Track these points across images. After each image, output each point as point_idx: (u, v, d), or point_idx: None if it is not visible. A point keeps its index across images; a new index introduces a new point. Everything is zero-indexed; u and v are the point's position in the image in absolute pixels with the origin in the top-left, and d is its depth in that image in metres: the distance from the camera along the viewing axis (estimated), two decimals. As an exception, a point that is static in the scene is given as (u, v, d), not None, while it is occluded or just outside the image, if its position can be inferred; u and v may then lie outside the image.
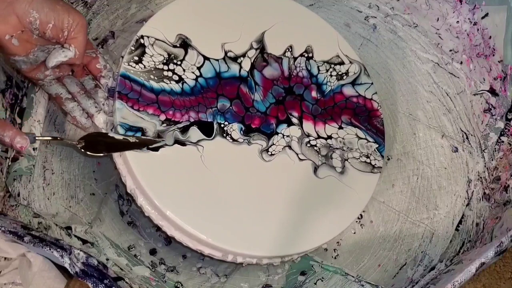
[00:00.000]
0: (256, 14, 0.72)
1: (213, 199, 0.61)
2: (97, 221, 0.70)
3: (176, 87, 0.64)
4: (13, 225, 0.54)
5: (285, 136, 0.67)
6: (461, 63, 0.80)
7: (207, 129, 0.63)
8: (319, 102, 0.71)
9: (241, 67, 0.68)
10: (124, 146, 0.59)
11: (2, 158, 0.65)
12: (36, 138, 0.57)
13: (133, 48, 0.63)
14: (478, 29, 0.76)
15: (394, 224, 0.77)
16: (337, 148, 0.69)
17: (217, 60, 0.67)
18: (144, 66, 0.63)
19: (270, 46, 0.70)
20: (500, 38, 0.73)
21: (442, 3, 0.78)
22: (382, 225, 0.77)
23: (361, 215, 0.77)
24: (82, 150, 0.59)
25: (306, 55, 0.72)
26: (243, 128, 0.65)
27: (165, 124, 0.61)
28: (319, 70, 0.72)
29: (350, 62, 0.75)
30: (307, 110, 0.70)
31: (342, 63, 0.74)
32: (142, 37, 0.64)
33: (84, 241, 0.68)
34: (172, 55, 0.65)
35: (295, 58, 0.72)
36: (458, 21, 0.78)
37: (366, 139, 0.72)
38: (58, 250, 0.51)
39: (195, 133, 0.62)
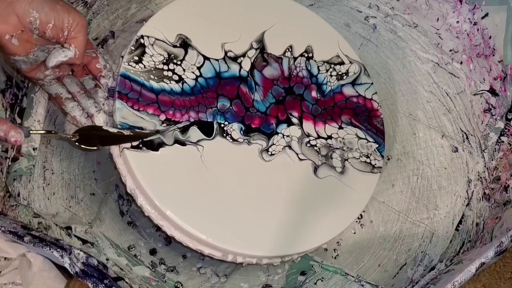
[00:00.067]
0: (256, 14, 0.72)
1: (213, 199, 0.61)
2: (97, 221, 0.70)
3: (176, 87, 0.64)
4: (13, 225, 0.54)
5: (285, 136, 0.67)
6: (461, 63, 0.80)
7: (207, 129, 0.63)
8: (319, 102, 0.71)
9: (241, 67, 0.68)
10: (118, 139, 0.59)
11: (2, 158, 0.65)
12: (31, 132, 0.57)
13: (133, 48, 0.63)
14: (478, 29, 0.76)
15: (394, 224, 0.77)
16: (337, 148, 0.69)
17: (217, 60, 0.67)
18: (144, 66, 0.63)
19: (270, 46, 0.70)
20: (500, 38, 0.73)
21: (442, 3, 0.78)
22: (382, 225, 0.77)
23: (361, 215, 0.77)
24: (77, 143, 0.59)
25: (306, 55, 0.72)
26: (243, 128, 0.65)
27: (165, 124, 0.61)
28: (319, 70, 0.72)
29: (350, 62, 0.75)
30: (307, 110, 0.70)
31: (342, 63, 0.74)
32: (142, 37, 0.64)
33: (84, 241, 0.68)
34: (172, 55, 0.65)
35: (295, 58, 0.72)
36: (458, 21, 0.78)
37: (366, 139, 0.72)
38: (58, 250, 0.51)
39: (195, 133, 0.62)
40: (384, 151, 0.72)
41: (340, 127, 0.71)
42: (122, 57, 0.63)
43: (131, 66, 0.62)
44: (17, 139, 0.54)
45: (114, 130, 0.59)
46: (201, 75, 0.65)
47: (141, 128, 0.60)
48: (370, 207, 0.78)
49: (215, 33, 0.68)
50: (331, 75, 0.73)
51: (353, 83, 0.74)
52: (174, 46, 0.65)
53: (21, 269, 0.59)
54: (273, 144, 0.66)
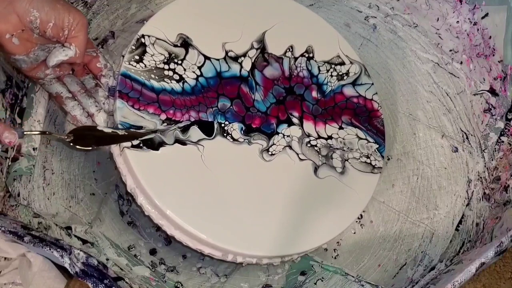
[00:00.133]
0: (257, 14, 0.72)
1: (213, 199, 0.61)
2: (97, 221, 0.70)
3: (177, 86, 0.64)
4: (13, 225, 0.54)
5: (285, 136, 0.67)
6: (461, 63, 0.80)
7: (207, 129, 0.63)
8: (320, 102, 0.71)
9: (241, 67, 0.68)
10: (113, 139, 0.59)
11: (2, 158, 0.65)
12: (25, 133, 0.57)
13: (134, 47, 0.63)
14: (478, 29, 0.76)
15: (394, 224, 0.77)
16: (337, 148, 0.69)
17: (218, 59, 0.67)
18: (145, 65, 0.63)
19: (270, 46, 0.71)
20: (500, 38, 0.73)
21: (442, 3, 0.78)
22: (382, 225, 0.77)
23: (361, 215, 0.77)
24: (71, 144, 0.58)
25: (306, 55, 0.72)
26: (244, 128, 0.65)
27: (165, 124, 0.61)
28: (319, 70, 0.72)
29: (351, 63, 0.75)
30: (308, 110, 0.70)
31: (342, 63, 0.74)
32: (143, 36, 0.64)
33: (84, 241, 0.68)
34: (173, 55, 0.65)
35: (295, 58, 0.72)
36: (458, 21, 0.78)
37: (366, 139, 0.72)
38: (58, 250, 0.51)
39: (195, 133, 0.62)
40: (384, 152, 0.72)
41: (341, 128, 0.71)
42: (123, 56, 0.63)
43: (131, 65, 0.62)
44: (11, 140, 0.54)
45: (109, 130, 0.59)
46: (201, 75, 0.65)
47: (140, 128, 0.60)
48: (370, 207, 0.78)
49: (216, 33, 0.68)
50: (331, 75, 0.73)
51: (354, 84, 0.74)
52: (175, 46, 0.65)
53: (21, 269, 0.59)
54: (274, 144, 0.66)
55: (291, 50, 0.72)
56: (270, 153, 0.66)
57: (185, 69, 0.65)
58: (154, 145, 0.60)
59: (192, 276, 0.72)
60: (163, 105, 0.62)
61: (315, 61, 0.73)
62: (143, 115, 0.61)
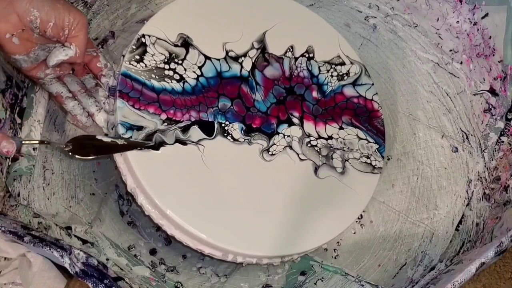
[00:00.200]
0: (257, 14, 0.72)
1: (213, 199, 0.61)
2: (97, 221, 0.70)
3: (177, 86, 0.64)
4: (13, 225, 0.54)
5: (285, 136, 0.67)
6: (461, 63, 0.80)
7: (208, 129, 0.63)
8: (320, 103, 0.71)
9: (242, 67, 0.68)
10: (112, 148, 0.59)
11: (2, 158, 0.65)
12: (23, 142, 0.57)
13: (134, 47, 0.63)
14: (478, 29, 0.76)
15: (394, 224, 0.77)
16: (337, 149, 0.69)
17: (218, 59, 0.67)
18: (145, 65, 0.63)
19: (271, 46, 0.71)
20: (500, 38, 0.73)
21: (442, 3, 0.78)
22: (382, 225, 0.77)
23: (361, 215, 0.77)
24: (70, 153, 0.58)
25: (307, 55, 0.72)
26: (244, 128, 0.65)
27: (166, 123, 0.61)
28: (320, 70, 0.72)
29: (351, 63, 0.75)
30: (308, 110, 0.70)
31: (343, 63, 0.74)
32: (143, 36, 0.64)
33: (84, 241, 0.67)
34: (173, 54, 0.65)
35: (296, 58, 0.72)
36: (458, 21, 0.78)
37: (366, 139, 0.72)
38: (58, 250, 0.51)
39: (196, 133, 0.62)
40: (385, 152, 0.72)
41: (341, 128, 0.71)
42: (123, 56, 0.63)
43: (132, 65, 0.62)
44: (9, 150, 0.54)
45: (108, 140, 0.59)
46: (202, 75, 0.65)
47: (141, 128, 0.60)
48: (370, 207, 0.78)
49: (216, 33, 0.68)
50: (332, 76, 0.73)
51: (354, 84, 0.74)
52: (175, 46, 0.65)
53: (21, 269, 0.59)
54: (274, 144, 0.66)
55: (291, 50, 0.72)
56: (270, 153, 0.66)
57: (185, 69, 0.65)
58: (154, 145, 0.60)
59: (192, 276, 0.72)
60: (163, 105, 0.62)
61: (316, 61, 0.73)
62: (143, 115, 0.60)
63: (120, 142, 0.59)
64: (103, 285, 0.51)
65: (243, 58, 0.69)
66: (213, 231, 0.59)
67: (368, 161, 0.70)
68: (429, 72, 0.82)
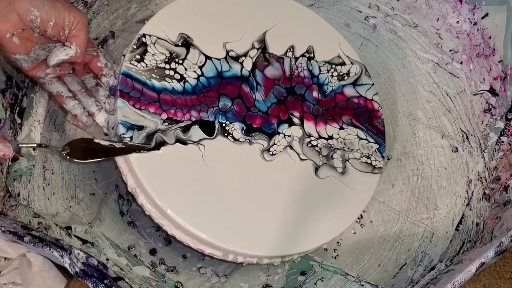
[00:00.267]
0: (257, 14, 0.72)
1: (214, 199, 0.61)
2: (97, 221, 0.70)
3: (178, 86, 0.64)
4: (13, 225, 0.54)
5: (286, 136, 0.67)
6: (461, 63, 0.80)
7: (208, 129, 0.63)
8: (320, 103, 0.71)
9: (242, 67, 0.68)
10: (109, 152, 0.58)
11: (2, 158, 0.65)
12: (20, 145, 0.57)
13: (135, 47, 0.63)
14: (478, 29, 0.76)
15: (394, 224, 0.77)
16: (338, 149, 0.69)
17: (219, 59, 0.67)
18: (146, 65, 0.63)
19: (271, 46, 0.71)
20: (500, 38, 0.73)
21: (442, 3, 0.78)
22: (382, 225, 0.77)
23: (361, 215, 0.77)
24: (68, 157, 0.58)
25: (307, 55, 0.72)
26: (245, 128, 0.65)
27: (166, 123, 0.61)
28: (320, 70, 0.72)
29: (351, 63, 0.75)
30: (308, 110, 0.70)
31: (343, 63, 0.74)
32: (144, 35, 0.64)
33: (84, 241, 0.67)
34: (174, 54, 0.65)
35: (296, 58, 0.72)
36: (458, 21, 0.78)
37: (366, 139, 0.72)
38: (58, 250, 0.51)
39: (196, 132, 0.62)
40: (385, 152, 0.72)
41: (341, 128, 0.71)
42: (124, 55, 0.63)
43: (132, 64, 0.62)
44: (5, 153, 0.54)
45: (106, 143, 0.59)
46: (202, 75, 0.65)
47: (142, 127, 0.60)
48: (370, 207, 0.78)
49: (217, 33, 0.68)
50: (332, 76, 0.73)
51: (354, 84, 0.74)
52: (176, 45, 0.65)
53: (21, 269, 0.59)
54: (274, 144, 0.66)
55: (292, 50, 0.72)
56: (271, 153, 0.66)
57: (186, 69, 0.65)
58: (155, 144, 0.60)
59: (192, 276, 0.71)
60: (164, 105, 0.62)
61: (316, 61, 0.73)
62: (144, 115, 0.60)
63: (118, 145, 0.58)
64: (103, 285, 0.51)
65: (243, 58, 0.69)
66: (214, 231, 0.59)
67: (369, 161, 0.70)
68: (429, 72, 0.82)
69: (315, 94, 0.71)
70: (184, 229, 0.59)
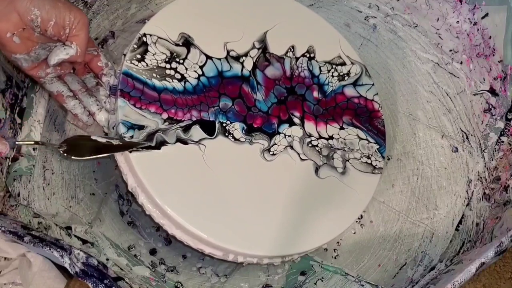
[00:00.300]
0: (258, 14, 0.72)
1: (214, 198, 0.61)
2: (97, 221, 0.70)
3: (179, 85, 0.64)
4: (13, 225, 0.54)
5: (286, 136, 0.67)
6: (461, 63, 0.80)
7: (209, 128, 0.63)
8: (321, 103, 0.71)
9: (243, 67, 0.68)
10: (107, 149, 0.58)
11: (2, 158, 0.65)
12: (17, 143, 0.56)
13: (135, 46, 0.63)
14: (478, 29, 0.76)
15: (394, 224, 0.77)
16: (338, 149, 0.69)
17: (220, 59, 0.67)
18: (147, 64, 0.63)
19: (272, 46, 0.71)
20: (500, 38, 0.73)
21: (442, 3, 0.78)
22: (382, 225, 0.78)
23: (361, 215, 0.77)
24: (65, 154, 0.58)
25: (308, 55, 0.72)
26: (245, 128, 0.65)
27: (167, 123, 0.61)
28: (320, 70, 0.72)
29: (352, 63, 0.75)
30: (309, 110, 0.70)
31: (343, 63, 0.74)
32: (144, 35, 0.64)
33: (84, 241, 0.67)
34: (175, 54, 0.65)
35: (297, 58, 0.72)
36: (458, 21, 0.78)
37: (367, 140, 0.72)
38: (58, 250, 0.51)
39: (197, 132, 0.62)
40: (385, 152, 0.72)
41: (342, 128, 0.71)
42: (125, 55, 0.63)
43: (133, 64, 0.62)
44: (1, 151, 0.54)
45: (103, 140, 0.58)
46: (203, 74, 0.65)
47: (143, 127, 0.60)
48: (370, 207, 0.78)
49: (218, 33, 0.68)
50: (332, 76, 0.73)
51: (355, 84, 0.74)
52: (177, 45, 0.65)
53: (21, 269, 0.59)
54: (275, 144, 0.66)
55: (292, 50, 0.72)
56: (271, 153, 0.66)
57: (186, 68, 0.65)
58: (156, 144, 0.60)
59: (192, 276, 0.71)
60: (164, 104, 0.62)
61: (316, 61, 0.73)
62: (144, 114, 0.60)
63: (115, 142, 0.58)
64: (103, 285, 0.51)
65: (244, 57, 0.69)
66: (214, 231, 0.59)
67: (369, 161, 0.70)
68: (429, 72, 0.82)
69: (315, 94, 0.71)
70: (185, 228, 0.59)
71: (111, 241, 0.70)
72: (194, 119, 0.63)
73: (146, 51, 0.63)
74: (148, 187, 0.58)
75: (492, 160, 0.76)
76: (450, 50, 0.81)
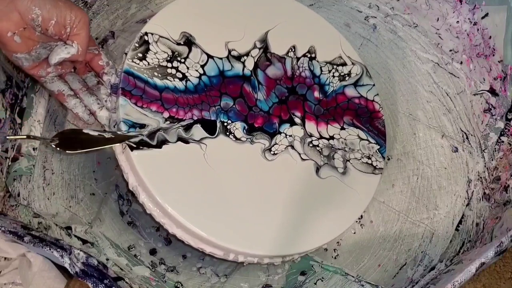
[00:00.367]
0: (258, 14, 0.72)
1: (215, 197, 0.61)
2: (97, 221, 0.70)
3: (180, 84, 0.64)
4: (13, 225, 0.54)
5: (287, 136, 0.67)
6: (461, 63, 0.80)
7: (210, 127, 0.63)
8: (322, 103, 0.71)
9: (244, 66, 0.68)
10: (99, 142, 0.58)
11: (2, 158, 0.65)
12: (7, 137, 0.56)
13: (137, 45, 0.63)
14: (478, 29, 0.76)
15: (394, 224, 0.78)
16: (339, 149, 0.69)
17: (221, 58, 0.67)
18: (148, 63, 0.63)
19: (273, 46, 0.71)
20: (500, 38, 0.73)
21: (442, 3, 0.79)
22: (382, 225, 0.78)
23: (361, 215, 0.77)
24: (57, 148, 0.57)
25: (309, 55, 0.73)
26: (246, 127, 0.65)
27: (168, 122, 0.61)
28: (321, 70, 0.73)
29: (353, 63, 0.75)
30: (310, 110, 0.70)
31: (344, 64, 0.74)
32: (146, 34, 0.64)
33: (84, 241, 0.67)
34: (176, 53, 0.65)
35: (298, 58, 0.72)
36: (458, 21, 0.78)
37: (367, 140, 0.72)
38: (58, 250, 0.51)
39: (198, 131, 0.62)
40: (385, 153, 0.72)
41: (342, 128, 0.71)
42: (126, 53, 0.63)
43: (135, 63, 0.62)
44: None
45: (95, 133, 0.58)
46: (204, 73, 0.65)
47: (144, 125, 0.60)
48: (370, 207, 0.78)
49: (219, 32, 0.68)
50: (333, 76, 0.73)
51: (355, 84, 0.74)
52: (178, 44, 0.65)
53: (21, 269, 0.59)
54: (276, 143, 0.66)
55: (293, 50, 0.72)
56: (272, 152, 0.66)
57: (188, 68, 0.65)
58: (156, 143, 0.60)
59: (192, 276, 0.71)
60: (166, 103, 0.62)
61: (317, 61, 0.73)
62: (146, 113, 0.60)
63: (107, 135, 0.58)
64: (103, 285, 0.51)
65: (245, 57, 0.69)
66: (215, 230, 0.59)
67: (369, 161, 0.71)
68: (429, 72, 0.83)
69: (316, 94, 0.71)
70: (185, 227, 0.59)
71: (111, 241, 0.69)
72: (195, 118, 0.63)
73: (147, 49, 0.63)
74: (149, 186, 0.58)
75: (492, 160, 0.76)
76: (450, 50, 0.81)
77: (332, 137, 0.70)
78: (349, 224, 0.67)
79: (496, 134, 0.76)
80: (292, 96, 0.70)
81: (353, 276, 0.71)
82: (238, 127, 0.65)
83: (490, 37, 0.75)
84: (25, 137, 0.62)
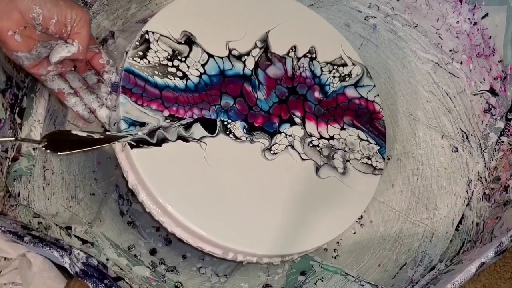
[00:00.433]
0: (259, 14, 0.72)
1: (215, 196, 0.61)
2: (97, 221, 0.70)
3: (180, 83, 0.64)
4: (13, 225, 0.54)
5: (287, 136, 0.67)
6: (461, 63, 0.80)
7: (210, 126, 0.63)
8: (322, 103, 0.71)
9: (245, 66, 0.68)
10: (88, 143, 0.58)
11: (2, 158, 0.65)
12: None
13: (138, 43, 0.63)
14: (478, 29, 0.76)
15: (394, 224, 0.78)
16: (339, 149, 0.69)
17: (221, 58, 0.67)
18: (149, 62, 0.63)
19: (274, 46, 0.71)
20: (500, 38, 0.73)
21: (442, 3, 0.79)
22: (382, 225, 0.78)
23: (361, 215, 0.77)
24: (45, 149, 0.57)
25: (309, 55, 0.73)
26: (246, 126, 0.65)
27: (168, 120, 0.61)
28: (322, 71, 0.73)
29: (353, 64, 0.75)
30: (310, 110, 0.70)
31: (345, 64, 0.74)
32: (147, 32, 0.64)
33: (84, 241, 0.67)
34: (177, 52, 0.65)
35: (298, 58, 0.72)
36: (458, 21, 0.78)
37: (367, 140, 0.72)
38: (58, 250, 0.51)
39: (198, 130, 0.62)
40: (385, 153, 0.72)
41: (342, 128, 0.71)
42: (127, 52, 0.63)
43: (135, 61, 0.62)
44: None
45: (84, 134, 0.58)
46: (205, 73, 0.65)
47: (144, 124, 0.60)
48: (370, 207, 0.78)
49: (220, 31, 0.68)
50: (334, 76, 0.73)
51: (356, 85, 0.74)
52: (179, 43, 0.65)
53: (21, 269, 0.59)
54: (276, 143, 0.66)
55: (294, 50, 0.72)
56: (272, 152, 0.66)
57: (188, 66, 0.65)
58: (156, 141, 0.59)
59: (192, 276, 0.71)
60: (166, 102, 0.62)
61: (318, 61, 0.73)
62: (146, 111, 0.60)
63: (96, 136, 0.58)
64: (103, 285, 0.51)
65: (246, 57, 0.69)
66: (214, 229, 0.59)
67: (369, 162, 0.71)
68: (429, 72, 0.83)
69: (316, 94, 0.71)
70: (185, 226, 0.59)
71: (111, 241, 0.69)
72: (195, 117, 0.63)
73: (148, 48, 0.63)
74: (149, 184, 0.58)
75: (492, 160, 0.76)
76: (450, 50, 0.81)
77: (332, 137, 0.70)
78: (349, 224, 0.67)
79: (496, 134, 0.76)
80: (293, 96, 0.70)
81: (353, 276, 0.71)
82: (238, 126, 0.65)
83: (490, 37, 0.75)
84: (11, 139, 0.62)
